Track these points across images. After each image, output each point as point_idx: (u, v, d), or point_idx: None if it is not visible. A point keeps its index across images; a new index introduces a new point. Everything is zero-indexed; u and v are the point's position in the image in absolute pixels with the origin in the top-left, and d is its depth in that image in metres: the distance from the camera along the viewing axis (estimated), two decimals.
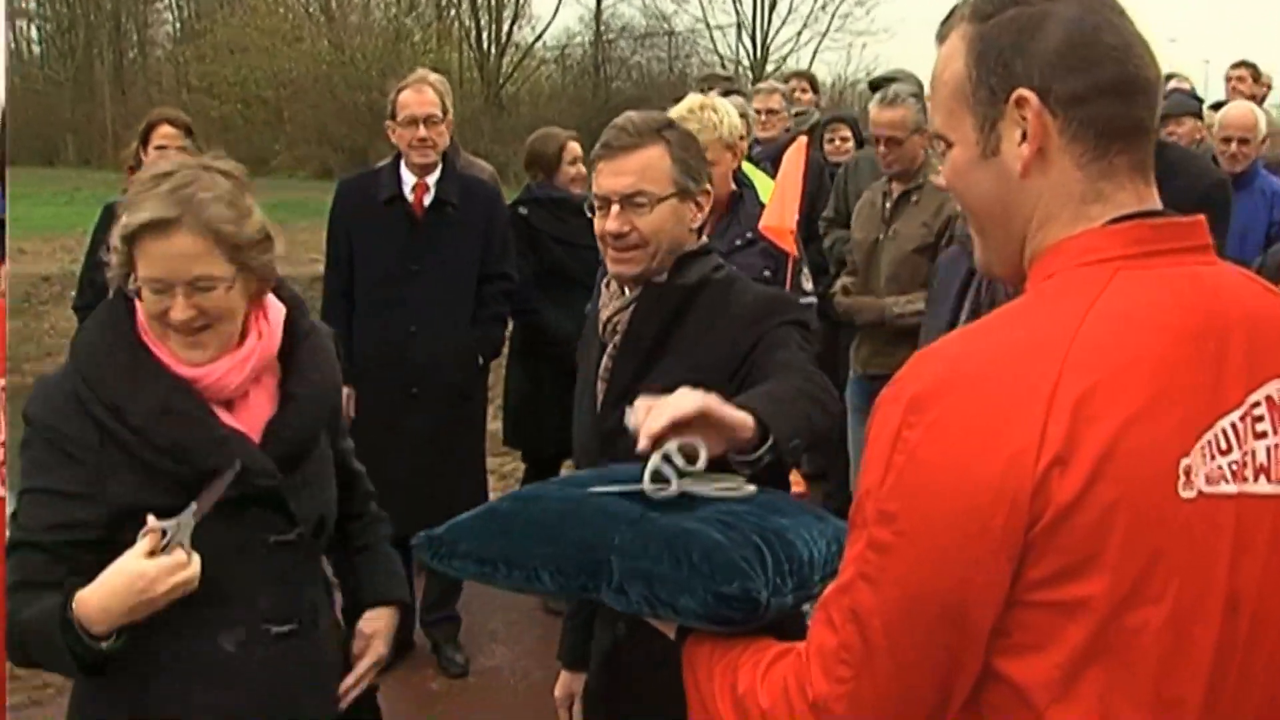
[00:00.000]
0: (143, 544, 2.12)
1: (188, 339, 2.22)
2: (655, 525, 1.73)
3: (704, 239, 2.72)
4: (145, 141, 5.13)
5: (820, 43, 33.56)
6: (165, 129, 5.13)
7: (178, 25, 39.95)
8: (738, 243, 4.40)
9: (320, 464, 2.43)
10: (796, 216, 4.69)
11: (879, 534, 1.36)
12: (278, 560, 2.34)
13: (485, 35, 34.05)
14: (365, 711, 2.58)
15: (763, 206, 4.55)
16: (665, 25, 34.64)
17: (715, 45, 34.26)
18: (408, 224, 5.00)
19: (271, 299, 2.37)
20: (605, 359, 2.69)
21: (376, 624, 2.51)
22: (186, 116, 5.31)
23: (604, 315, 2.71)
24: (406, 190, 5.01)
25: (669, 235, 2.59)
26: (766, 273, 4.40)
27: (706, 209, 2.65)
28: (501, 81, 33.26)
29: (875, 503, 1.37)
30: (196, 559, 2.14)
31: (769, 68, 32.35)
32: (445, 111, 4.99)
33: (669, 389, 2.25)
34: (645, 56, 35.74)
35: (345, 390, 5.00)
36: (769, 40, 34.26)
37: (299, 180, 28.06)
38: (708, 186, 2.65)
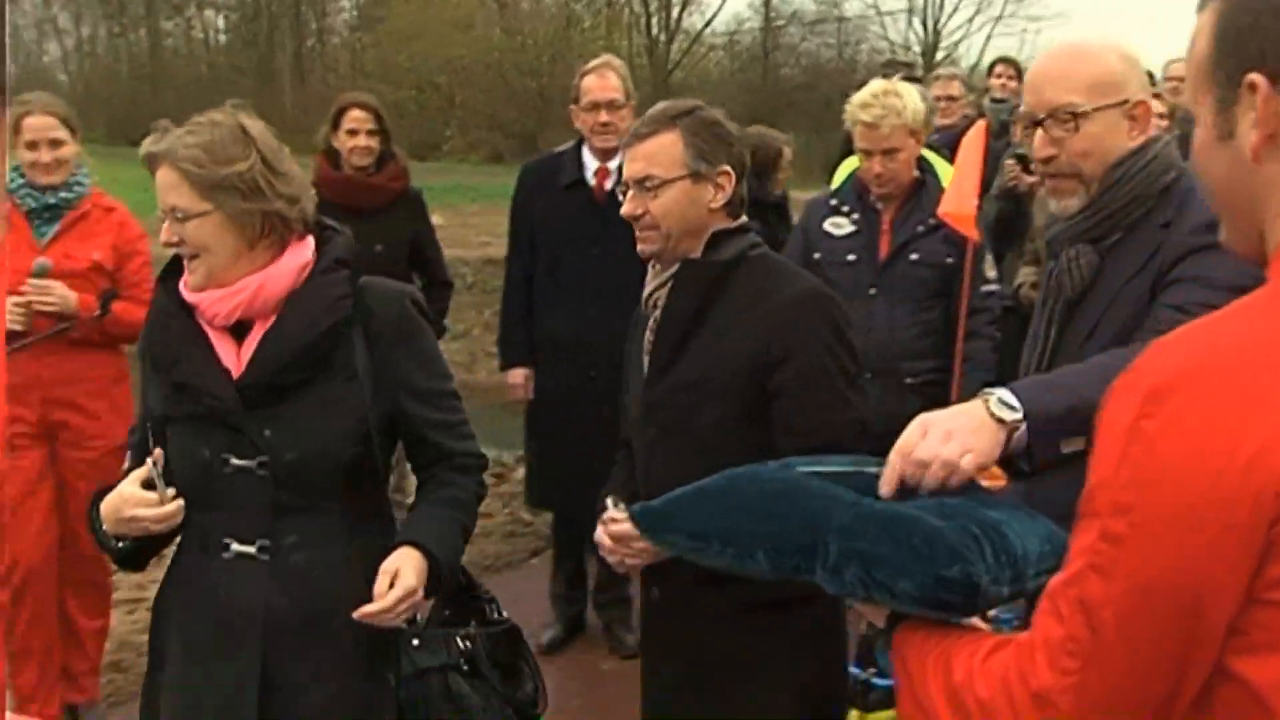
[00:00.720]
0: (137, 472, 2.55)
1: (187, 264, 2.55)
2: (873, 509, 1.72)
3: (743, 218, 2.84)
4: (336, 125, 5.27)
5: (993, 28, 32.99)
6: (355, 113, 5.26)
7: (355, 13, 40.88)
8: (920, 229, 4.36)
9: (316, 406, 2.56)
10: (975, 201, 4.63)
11: (1113, 525, 1.33)
12: (240, 483, 2.55)
13: (655, 21, 34.18)
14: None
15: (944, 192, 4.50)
16: (835, 11, 34.40)
17: (885, 31, 33.87)
18: (589, 208, 5.03)
19: (301, 247, 2.59)
20: (648, 333, 2.86)
21: (393, 562, 2.54)
22: (376, 101, 5.42)
23: (646, 291, 2.90)
24: (589, 175, 5.04)
25: (680, 216, 2.75)
26: (949, 259, 4.36)
27: (729, 189, 2.76)
28: (670, 68, 33.36)
29: (1109, 494, 1.34)
30: (171, 503, 2.52)
31: (939, 54, 31.87)
32: (628, 96, 5.00)
33: (708, 366, 2.67)
34: (815, 43, 35.52)
35: (521, 371, 5.12)
36: (940, 26, 33.77)
37: (470, 165, 28.57)
38: (726, 168, 2.75)
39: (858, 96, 4.32)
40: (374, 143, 5.25)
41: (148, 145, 2.55)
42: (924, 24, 33.90)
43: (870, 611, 1.74)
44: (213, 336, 2.58)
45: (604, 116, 4.97)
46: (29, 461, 4.32)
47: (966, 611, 1.62)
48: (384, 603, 2.47)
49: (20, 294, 4.09)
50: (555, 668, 5.14)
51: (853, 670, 3.12)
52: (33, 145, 4.25)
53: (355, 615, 2.48)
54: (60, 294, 4.22)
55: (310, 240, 2.63)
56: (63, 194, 4.37)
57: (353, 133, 5.22)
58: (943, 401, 4.20)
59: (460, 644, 2.66)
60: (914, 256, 4.36)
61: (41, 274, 4.18)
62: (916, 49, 32.51)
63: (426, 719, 2.58)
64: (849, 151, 5.46)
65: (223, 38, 45.59)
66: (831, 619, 2.85)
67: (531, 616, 5.52)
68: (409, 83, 33.04)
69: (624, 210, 2.80)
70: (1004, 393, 2.11)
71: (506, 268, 5.30)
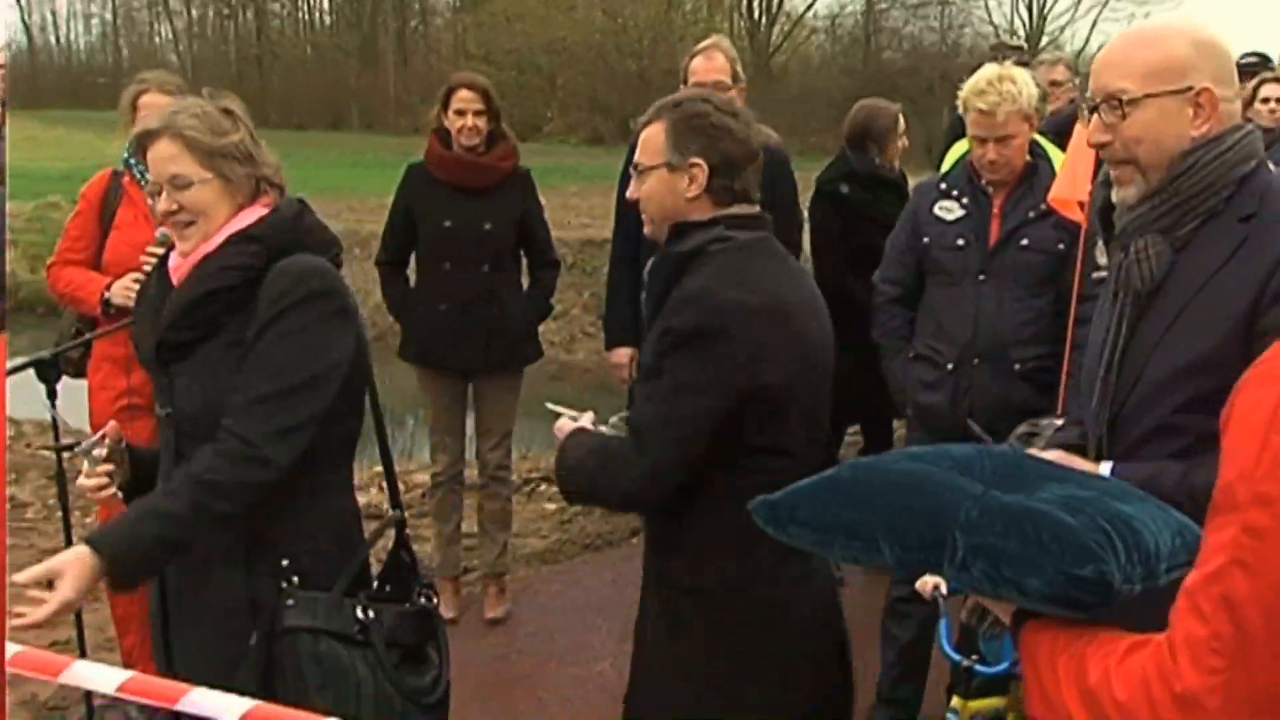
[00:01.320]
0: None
1: (178, 233, 2.74)
2: (1000, 503, 1.69)
3: (717, 211, 2.77)
4: (445, 105, 5.31)
5: (1100, 12, 32.44)
6: (463, 93, 5.29)
7: None
8: (1031, 214, 4.30)
9: (204, 365, 2.71)
10: (1088, 188, 4.55)
11: (1256, 518, 1.31)
12: (164, 428, 2.80)
13: (755, 4, 34.02)
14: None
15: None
16: None
17: (989, 15, 33.42)
18: None
19: (243, 216, 2.73)
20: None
21: (57, 565, 2.52)
22: (485, 81, 5.45)
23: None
24: None
25: (658, 203, 2.81)
26: (1060, 245, 4.29)
27: (702, 179, 2.75)
28: (771, 51, 33.22)
29: (1250, 486, 1.32)
30: (94, 480, 2.77)
31: (1044, 39, 31.38)
32: (735, 78, 4.97)
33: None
34: (917, 26, 35.15)
35: (626, 351, 5.14)
36: (1046, 9, 33.25)
37: (570, 146, 28.68)
38: (698, 160, 2.74)
39: (972, 82, 4.27)
40: (481, 123, 5.27)
41: (141, 124, 2.76)
42: (1029, 7, 33.42)
43: (997, 607, 1.72)
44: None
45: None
46: (136, 430, 4.40)
47: (1094, 611, 1.59)
48: (35, 617, 2.47)
49: (141, 269, 4.15)
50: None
51: (954, 656, 3.09)
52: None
53: (13, 627, 2.44)
54: None
55: (258, 210, 2.77)
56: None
57: (460, 113, 5.25)
58: (1051, 388, 4.15)
59: (359, 614, 2.72)
60: (1024, 242, 4.30)
61: (164, 243, 4.24)
62: (1021, 33, 32.06)
63: (288, 677, 2.62)
64: (956, 135, 5.41)
65: (327, 19, 46.17)
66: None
67: (628, 594, 5.56)
68: (510, 64, 33.24)
69: (628, 194, 2.91)
70: (1107, 474, 2.25)
71: (612, 248, 5.30)
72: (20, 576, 2.45)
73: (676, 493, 2.69)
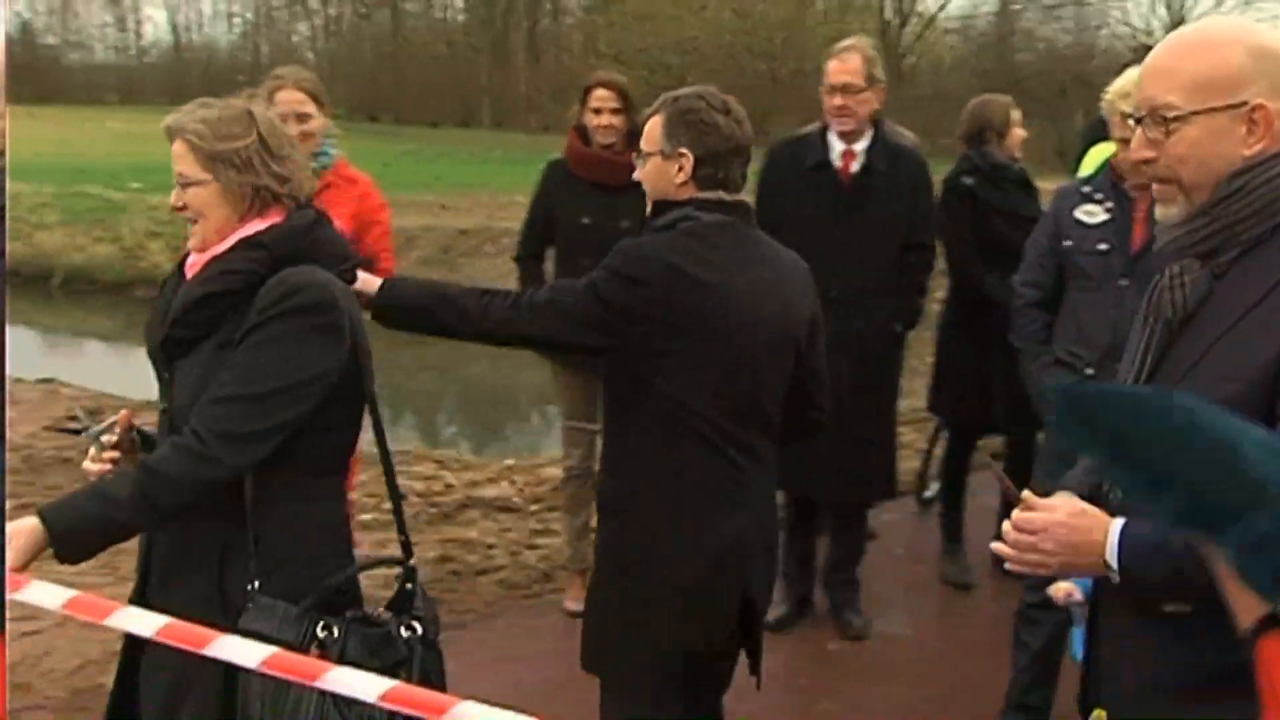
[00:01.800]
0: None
1: (190, 230, 2.84)
2: None
3: (695, 195, 3.18)
4: (584, 103, 5.38)
5: (1244, 12, 31.58)
6: (599, 91, 5.36)
7: None
8: None
9: (198, 365, 2.75)
10: None
11: None
12: (161, 423, 2.86)
13: (888, 5, 33.73)
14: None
15: None
16: None
17: (1127, 16, 32.75)
18: (834, 190, 5.04)
19: (258, 222, 2.78)
20: None
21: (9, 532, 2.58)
22: (623, 79, 5.51)
23: None
24: (834, 157, 5.04)
25: (652, 185, 3.26)
26: None
27: (688, 169, 3.16)
28: (903, 52, 32.90)
29: None
30: (98, 465, 2.81)
31: None
32: (870, 81, 4.97)
33: None
34: (1053, 27, 34.56)
35: None
36: (1185, 10, 32.48)
37: None
38: (685, 151, 3.15)
39: (1118, 85, 4.23)
40: (618, 121, 5.33)
41: (167, 119, 2.83)
42: (1168, 7, 32.70)
43: (1243, 604, 1.61)
44: None
45: (839, 100, 4.97)
46: None
47: None
48: None
49: None
50: (782, 647, 5.17)
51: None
52: (282, 119, 4.45)
53: None
54: None
55: (273, 217, 2.81)
56: (310, 164, 4.54)
57: (597, 111, 5.31)
58: None
59: (319, 630, 2.66)
60: None
61: None
62: (1159, 35, 31.37)
63: (238, 682, 2.58)
64: (1094, 139, 5.35)
65: (460, 17, 46.76)
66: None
67: None
68: (640, 64, 33.34)
69: (635, 175, 3.32)
70: (1114, 543, 2.06)
71: None
72: None
73: (615, 422, 3.26)
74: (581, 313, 3.15)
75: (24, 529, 2.56)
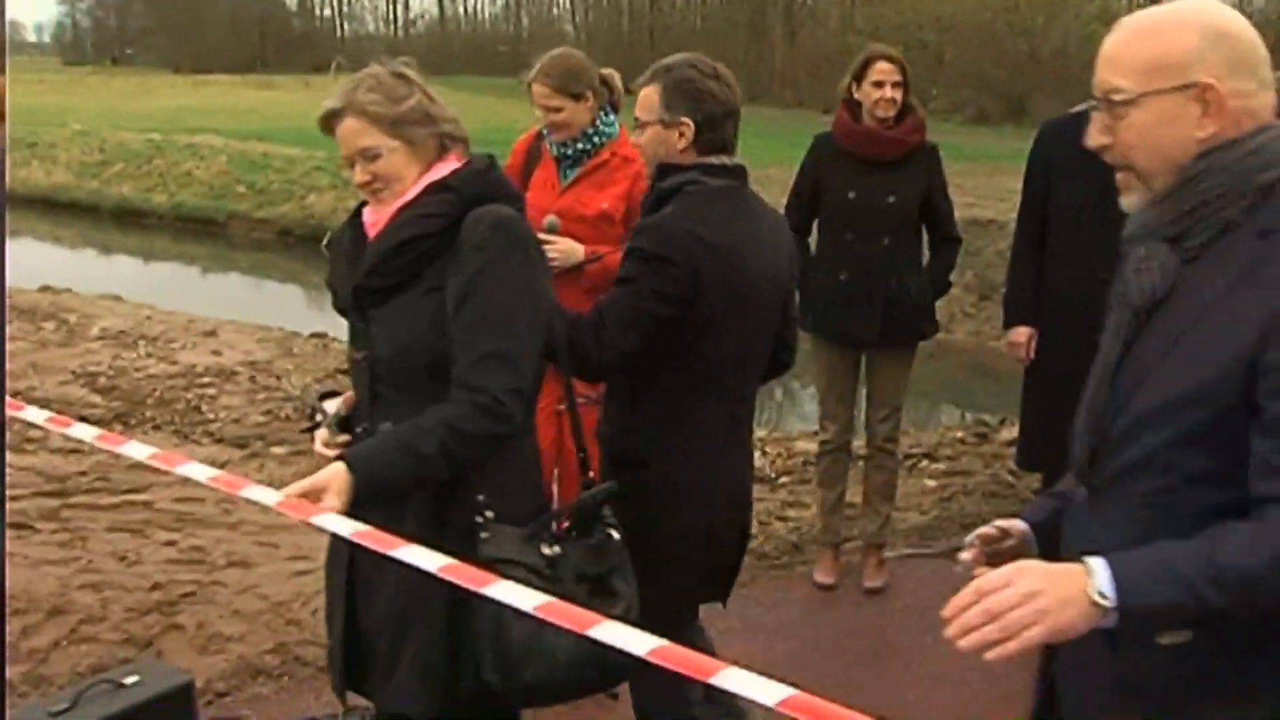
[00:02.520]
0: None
1: (375, 198, 2.88)
2: None
3: (699, 159, 3.33)
4: (860, 77, 5.35)
5: None
6: (882, 65, 5.32)
7: None
8: None
9: (401, 311, 2.82)
10: None
11: None
12: (358, 373, 2.96)
13: None
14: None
15: None
16: None
17: None
18: (1107, 169, 4.86)
19: (438, 168, 2.87)
20: None
21: (323, 479, 2.66)
22: (899, 54, 5.45)
23: None
24: None
25: (652, 152, 3.38)
26: None
27: (689, 135, 3.32)
28: None
29: None
30: (320, 448, 2.94)
31: None
32: None
33: None
34: None
35: (1025, 330, 5.07)
36: None
37: (954, 125, 28.12)
38: (684, 119, 3.30)
39: None
40: (898, 95, 5.29)
41: (325, 105, 2.87)
42: None
43: None
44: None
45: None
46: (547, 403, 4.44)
47: None
48: (327, 507, 2.61)
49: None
50: None
51: None
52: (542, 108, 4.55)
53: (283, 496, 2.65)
54: (562, 248, 4.35)
55: (451, 162, 2.89)
56: (580, 144, 4.59)
57: (879, 84, 5.27)
58: None
59: (545, 549, 2.80)
60: None
61: (551, 230, 4.37)
62: None
63: (483, 608, 2.62)
64: None
65: None
66: None
67: None
68: (897, 40, 32.80)
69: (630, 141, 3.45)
70: (1103, 575, 1.88)
71: (1017, 225, 5.22)
72: (290, 489, 2.65)
73: (632, 380, 3.34)
74: (638, 314, 3.24)
75: (337, 474, 2.66)
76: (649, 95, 3.37)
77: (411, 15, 74.49)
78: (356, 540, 2.54)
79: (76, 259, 20.77)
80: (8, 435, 7.21)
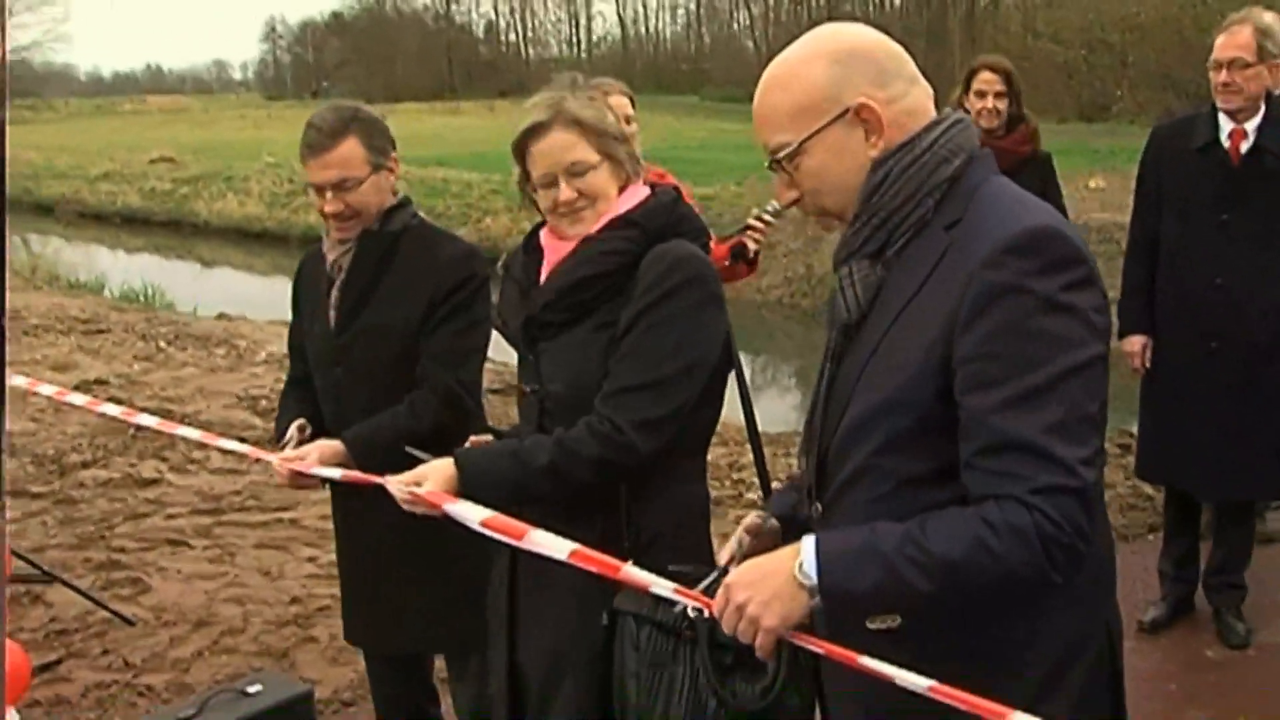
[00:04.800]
0: None
1: (573, 219, 2.75)
2: None
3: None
4: (967, 87, 5.32)
5: None
6: (985, 74, 5.28)
7: None
8: None
9: (573, 346, 2.75)
10: None
11: None
12: (526, 406, 2.88)
13: None
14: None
15: None
16: None
17: None
18: (1222, 172, 4.76)
19: (625, 197, 2.77)
20: None
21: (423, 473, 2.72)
22: (1008, 63, 5.40)
23: None
24: (1223, 136, 4.77)
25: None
26: None
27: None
28: None
29: None
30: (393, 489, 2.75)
31: None
32: (1262, 54, 4.64)
33: None
34: None
35: (1139, 339, 4.96)
36: None
37: (1139, 127, 27.30)
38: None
39: None
40: (1002, 105, 5.23)
41: (532, 118, 2.74)
42: None
43: None
44: (543, 277, 2.84)
45: (1224, 76, 4.68)
46: None
47: None
48: (421, 493, 2.67)
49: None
50: (1156, 649, 4.98)
51: None
52: None
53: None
54: None
55: (633, 194, 2.80)
56: None
57: (981, 94, 5.24)
58: None
59: (690, 611, 2.39)
60: None
61: (776, 214, 4.52)
62: None
63: (614, 659, 2.55)
64: None
65: (897, 1, 46.48)
66: None
67: (1138, 593, 5.39)
68: (1079, 42, 32.10)
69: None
70: (809, 556, 1.92)
71: (1130, 232, 5.11)
72: (394, 479, 2.76)
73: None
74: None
75: (442, 468, 2.71)
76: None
77: (595, 37, 75.62)
78: (484, 529, 2.54)
79: (264, 286, 21.63)
80: (174, 457, 7.63)
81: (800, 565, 1.93)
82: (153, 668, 5.04)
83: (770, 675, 2.42)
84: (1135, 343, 5.02)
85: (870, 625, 1.95)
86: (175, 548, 6.36)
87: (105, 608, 5.43)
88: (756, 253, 4.59)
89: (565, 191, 2.74)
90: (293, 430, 3.43)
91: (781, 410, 11.22)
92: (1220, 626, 5.07)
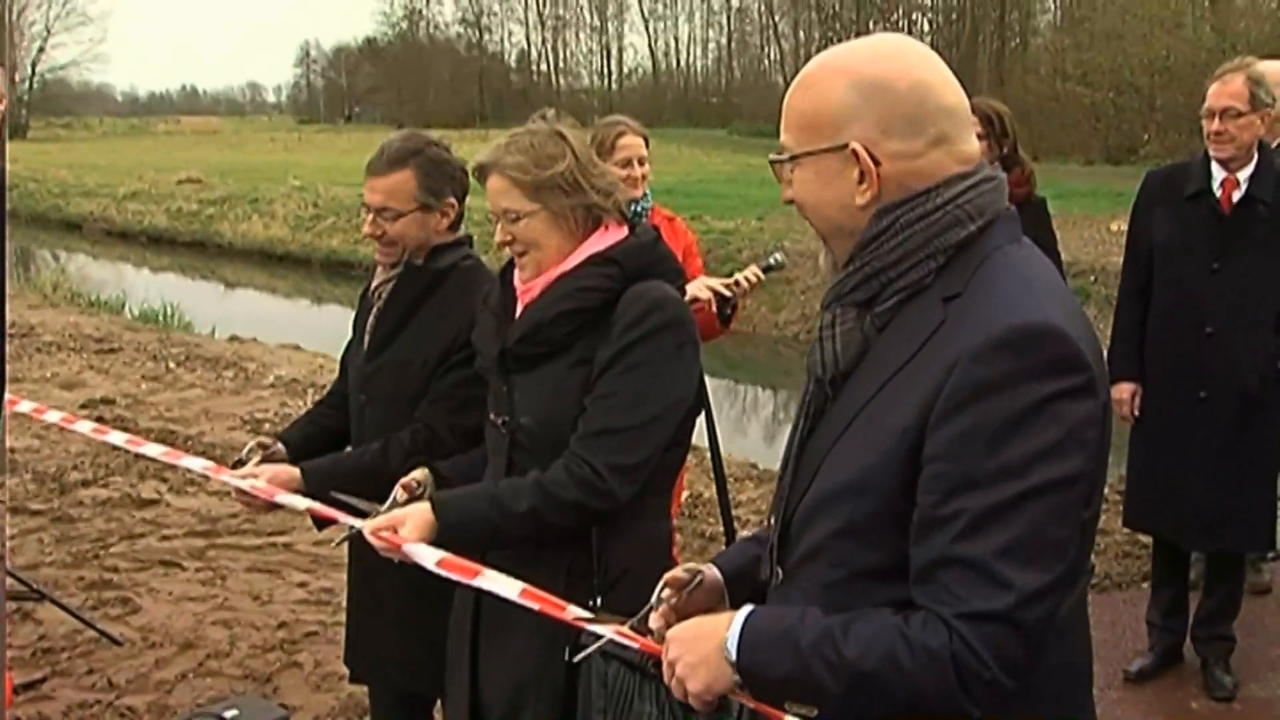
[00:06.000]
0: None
1: (517, 261, 2.84)
2: None
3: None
4: None
5: None
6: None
7: (1059, 15, 40.22)
8: None
9: (547, 381, 2.77)
10: None
11: None
12: (493, 437, 2.89)
13: None
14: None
15: None
16: None
17: None
18: (1213, 220, 4.74)
19: (601, 238, 2.79)
20: None
21: (403, 515, 2.71)
22: (997, 105, 5.36)
23: None
24: (1215, 185, 4.75)
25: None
26: None
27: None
28: None
29: None
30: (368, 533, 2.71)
31: None
32: (1254, 104, 4.63)
33: None
34: None
35: (1129, 387, 4.93)
36: None
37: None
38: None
39: None
40: (983, 147, 5.22)
41: (476, 158, 2.84)
42: None
43: None
44: (519, 310, 2.86)
45: (1216, 125, 4.66)
46: None
47: None
48: (397, 540, 2.65)
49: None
50: (1141, 700, 4.94)
51: None
52: (624, 163, 4.53)
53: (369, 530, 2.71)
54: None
55: (613, 233, 2.82)
56: (636, 206, 4.56)
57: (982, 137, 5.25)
58: None
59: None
60: None
61: (779, 266, 4.58)
62: None
63: (579, 695, 2.52)
64: None
65: (927, 40, 46.53)
66: None
67: (1125, 642, 5.35)
68: (1108, 84, 32.08)
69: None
70: (735, 632, 1.84)
71: (1121, 279, 5.09)
72: (369, 524, 2.73)
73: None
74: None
75: (419, 513, 2.69)
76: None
77: (626, 69, 75.94)
78: (439, 569, 2.54)
79: (285, 309, 21.74)
80: (174, 478, 7.65)
81: (727, 638, 1.85)
82: (136, 689, 5.04)
83: (735, 715, 2.36)
84: (1124, 390, 4.98)
85: (789, 709, 1.81)
86: (168, 569, 6.38)
87: (93, 627, 5.44)
88: (735, 306, 4.56)
89: (499, 233, 2.82)
90: (251, 445, 3.45)
91: None
92: (1207, 678, 5.02)
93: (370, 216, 3.34)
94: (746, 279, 4.51)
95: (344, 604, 5.84)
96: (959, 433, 1.71)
